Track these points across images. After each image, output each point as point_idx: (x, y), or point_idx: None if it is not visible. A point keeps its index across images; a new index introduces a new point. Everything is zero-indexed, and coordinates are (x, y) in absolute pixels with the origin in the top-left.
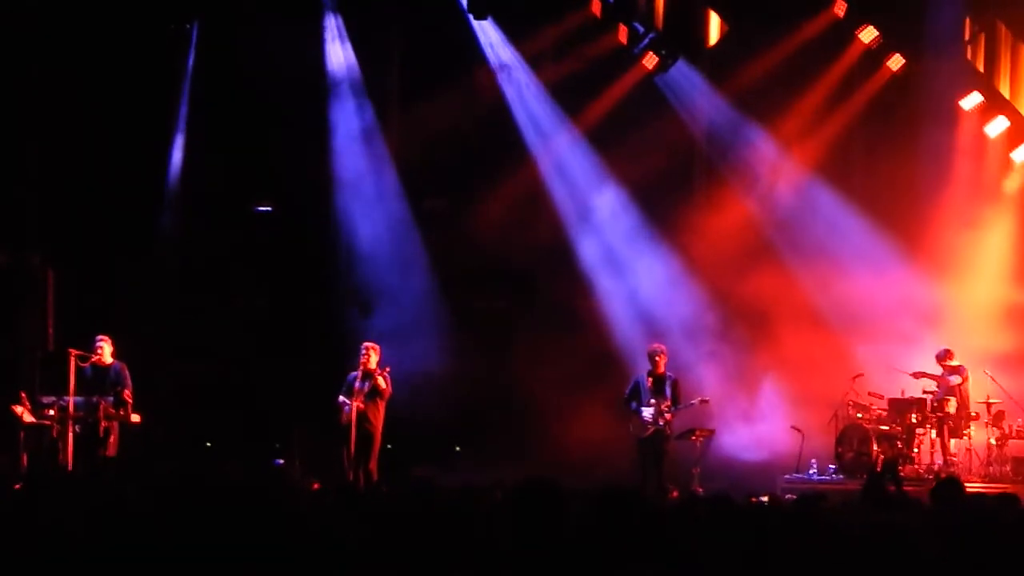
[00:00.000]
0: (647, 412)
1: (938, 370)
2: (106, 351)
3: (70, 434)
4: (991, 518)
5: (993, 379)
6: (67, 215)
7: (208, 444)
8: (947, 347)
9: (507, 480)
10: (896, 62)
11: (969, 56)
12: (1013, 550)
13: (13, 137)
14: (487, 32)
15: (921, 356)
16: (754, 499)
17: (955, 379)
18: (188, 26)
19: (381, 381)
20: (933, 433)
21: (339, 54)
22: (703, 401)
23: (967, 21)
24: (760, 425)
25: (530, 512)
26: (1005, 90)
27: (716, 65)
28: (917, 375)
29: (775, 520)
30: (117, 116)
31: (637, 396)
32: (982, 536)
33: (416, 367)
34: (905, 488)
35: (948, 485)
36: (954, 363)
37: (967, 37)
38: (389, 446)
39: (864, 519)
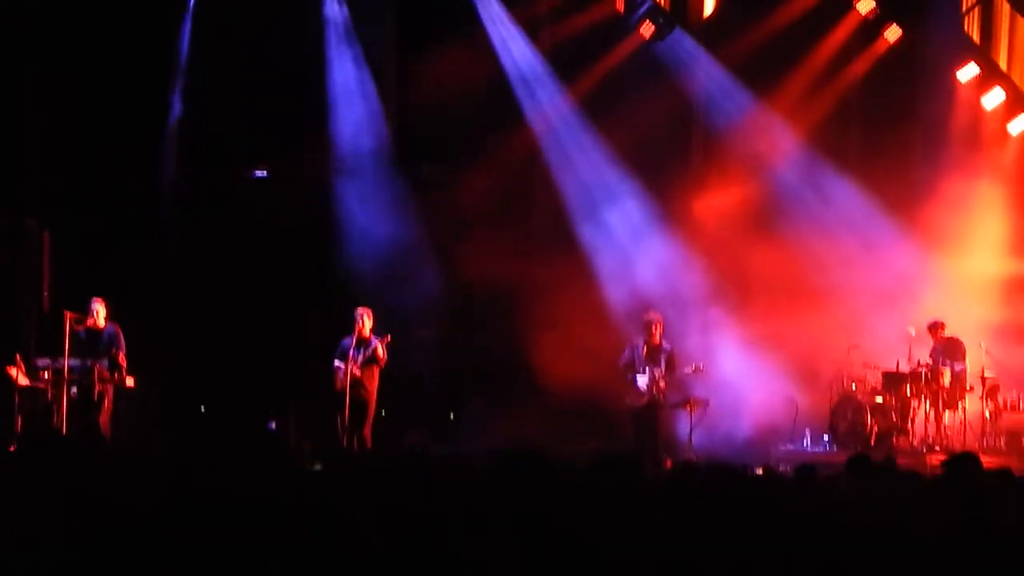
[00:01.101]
0: (642, 381)
1: (929, 340)
2: (100, 314)
3: (64, 397)
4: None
5: (988, 352)
6: (64, 177)
7: (202, 408)
8: (938, 319)
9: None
10: (893, 33)
11: (966, 27)
12: (1012, 528)
13: (10, 100)
14: None
15: (915, 327)
16: (749, 470)
17: (958, 366)
18: None
19: (380, 349)
20: (927, 405)
21: (336, 17)
22: (697, 369)
23: None
24: (754, 395)
25: (519, 481)
26: (1002, 62)
27: (713, 35)
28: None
29: (770, 491)
30: (114, 76)
31: (631, 362)
32: (984, 513)
33: (413, 336)
34: (899, 460)
35: (966, 460)
36: (946, 335)
37: (964, 8)
38: (383, 412)
39: (859, 492)
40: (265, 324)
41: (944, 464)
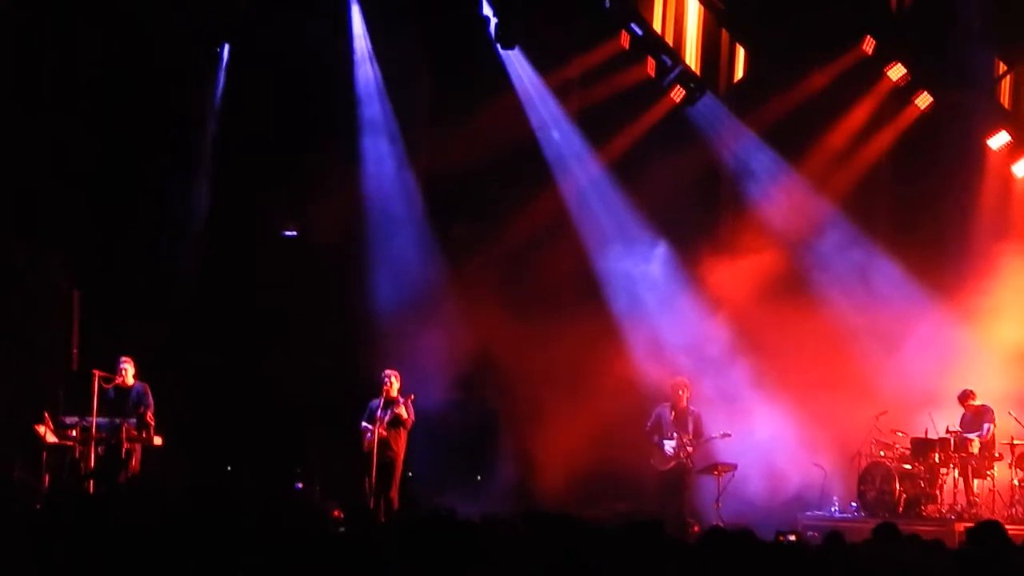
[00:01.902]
0: (669, 445)
1: (959, 410)
2: (129, 372)
3: (92, 455)
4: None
5: (1017, 420)
6: (94, 236)
7: (229, 467)
8: (969, 388)
9: (528, 512)
10: (924, 100)
11: (998, 95)
12: None
13: (42, 158)
14: (515, 61)
15: (943, 397)
16: (782, 537)
17: (988, 426)
18: (217, 49)
19: (403, 411)
20: (956, 473)
21: (369, 79)
22: (725, 435)
23: (996, 59)
24: (782, 461)
25: (548, 544)
26: None
27: (743, 100)
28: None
29: (798, 557)
30: (145, 137)
31: (659, 429)
32: None
33: (439, 393)
34: (927, 528)
35: (990, 528)
36: (976, 403)
37: (996, 75)
38: (410, 474)
39: (886, 559)
40: (293, 384)
41: (969, 532)
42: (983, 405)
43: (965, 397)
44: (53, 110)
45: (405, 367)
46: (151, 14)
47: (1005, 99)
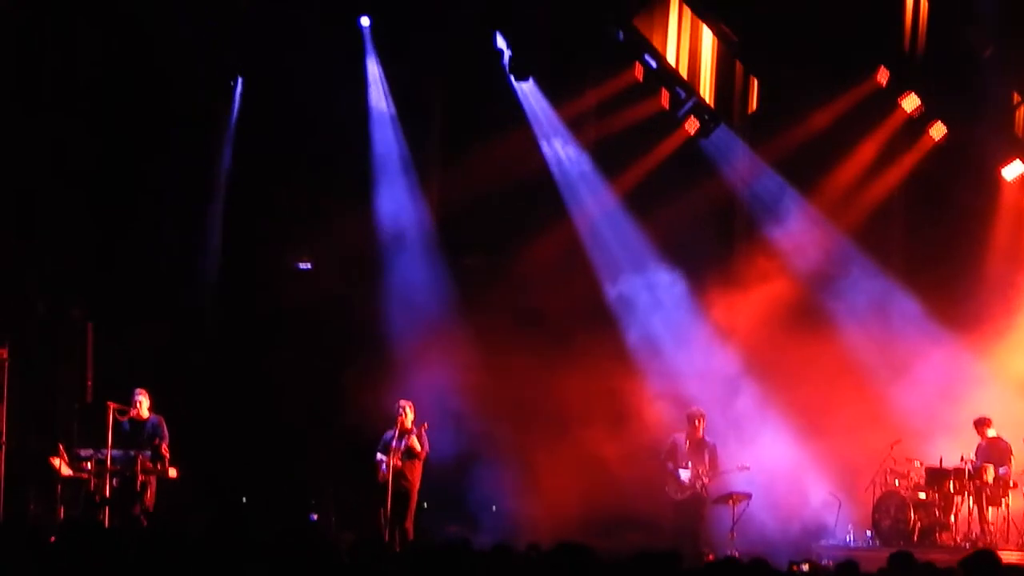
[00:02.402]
0: (685, 475)
1: (974, 439)
2: (144, 405)
3: (107, 487)
4: None
5: None
6: (108, 268)
7: (243, 499)
8: (985, 415)
9: (541, 541)
10: (938, 130)
11: (1012, 125)
12: None
13: (56, 190)
14: (529, 93)
15: (959, 423)
16: (795, 566)
17: (1002, 469)
18: (231, 82)
19: (416, 443)
20: (971, 502)
21: (382, 111)
22: (744, 468)
23: (1010, 89)
24: (797, 490)
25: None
26: None
27: (758, 131)
28: None
29: None
30: (159, 168)
31: (673, 457)
32: None
33: (452, 422)
34: (942, 557)
35: (983, 557)
36: (992, 433)
37: (1010, 106)
38: (425, 504)
39: None
40: (308, 415)
41: (961, 563)
42: (999, 438)
43: (981, 424)
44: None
45: (418, 397)
46: (167, 49)
47: (1020, 129)
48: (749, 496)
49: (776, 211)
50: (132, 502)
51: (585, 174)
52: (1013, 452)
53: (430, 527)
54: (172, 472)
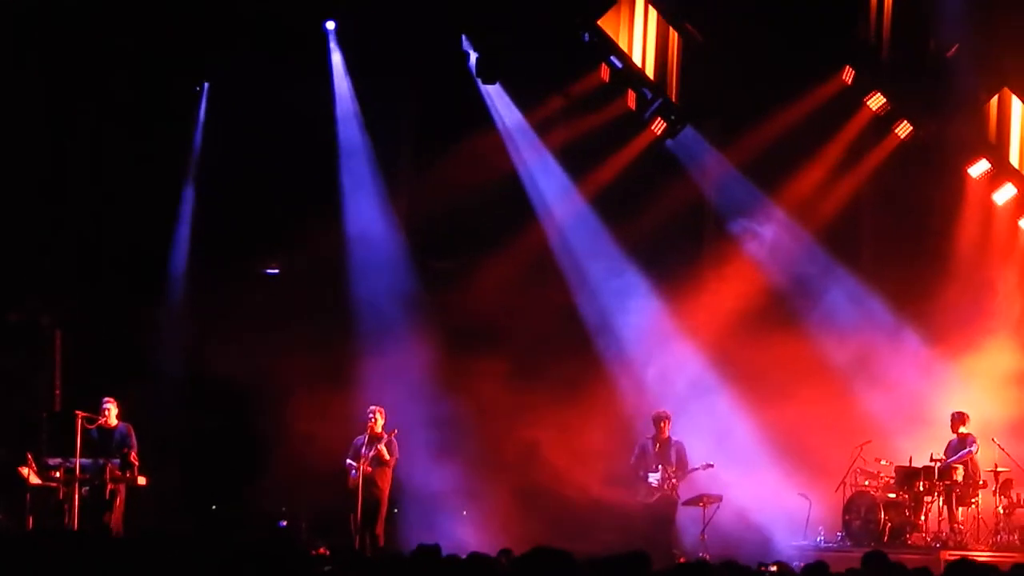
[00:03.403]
0: (654, 477)
1: (945, 438)
2: (112, 413)
3: (76, 496)
4: None
5: (1001, 447)
6: (75, 276)
7: (214, 506)
8: (963, 410)
9: (514, 547)
10: (904, 129)
11: (978, 124)
12: None
13: (22, 198)
14: (496, 96)
15: (928, 422)
16: (763, 567)
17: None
18: (197, 88)
19: (385, 451)
20: (940, 501)
21: (350, 115)
22: (708, 466)
23: (976, 89)
24: (767, 492)
25: None
26: (1014, 158)
27: (725, 131)
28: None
29: None
30: (125, 177)
31: (643, 462)
32: None
33: (420, 428)
34: (912, 557)
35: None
36: (964, 430)
37: (976, 105)
38: (395, 510)
39: None
40: (276, 420)
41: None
42: (968, 435)
43: (959, 419)
44: (32, 144)
45: (388, 403)
46: (130, 51)
47: (985, 128)
48: (720, 498)
49: (744, 212)
50: (102, 510)
51: (553, 177)
52: (978, 445)
53: (403, 533)
54: (141, 480)
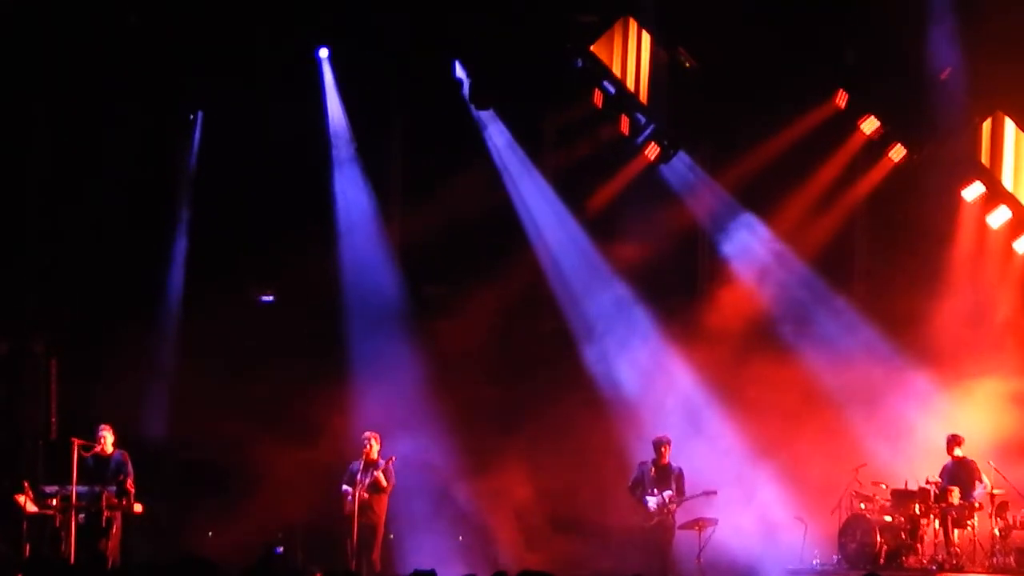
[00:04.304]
0: (652, 502)
1: (940, 461)
2: (108, 440)
3: (72, 524)
4: None
5: (997, 470)
6: (70, 304)
7: (210, 533)
8: (957, 433)
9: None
10: (898, 152)
11: (971, 147)
12: None
13: (16, 225)
14: (489, 122)
15: (923, 445)
16: None
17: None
18: (192, 116)
19: (382, 478)
20: (936, 524)
21: (343, 140)
22: (709, 493)
23: (970, 111)
24: (763, 515)
25: None
26: (1008, 180)
27: (719, 155)
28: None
29: None
30: (120, 207)
31: (641, 485)
32: None
33: (414, 458)
34: None
35: None
36: (959, 453)
37: (970, 127)
38: (391, 536)
39: None
40: (272, 447)
41: None
42: (964, 459)
43: (953, 441)
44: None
45: (383, 427)
46: (126, 81)
47: (980, 151)
48: (715, 521)
49: (737, 237)
50: (98, 538)
51: (546, 202)
52: (980, 473)
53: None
54: (138, 507)
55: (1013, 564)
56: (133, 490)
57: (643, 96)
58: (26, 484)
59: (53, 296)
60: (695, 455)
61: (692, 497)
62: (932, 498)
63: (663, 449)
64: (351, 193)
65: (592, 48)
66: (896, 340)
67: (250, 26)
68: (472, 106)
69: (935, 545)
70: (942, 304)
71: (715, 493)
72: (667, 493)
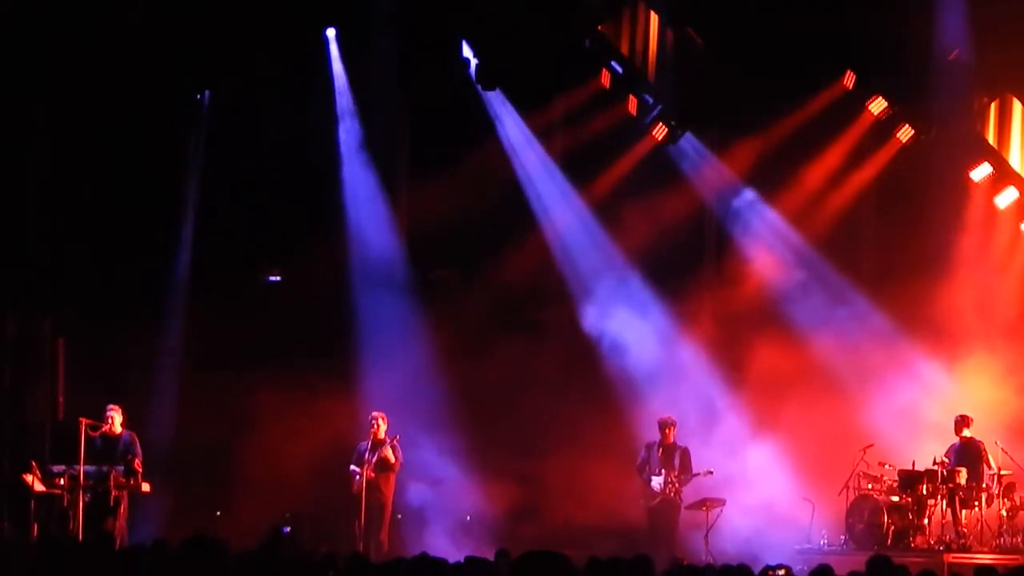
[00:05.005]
0: (657, 481)
1: (948, 441)
2: (116, 420)
3: (80, 503)
4: None
5: (1004, 450)
6: (77, 283)
7: (218, 513)
8: (966, 414)
9: (513, 551)
10: (906, 133)
11: (979, 127)
12: None
13: (23, 206)
14: (496, 103)
15: (931, 426)
16: (771, 572)
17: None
18: (199, 96)
19: (389, 454)
20: (944, 504)
21: (350, 123)
22: (708, 473)
23: (978, 92)
24: (771, 495)
25: None
26: (1015, 161)
27: (725, 136)
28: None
29: None
30: (127, 185)
31: (647, 464)
32: None
33: (422, 437)
34: (916, 560)
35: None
36: (968, 433)
37: (977, 108)
38: (399, 516)
39: None
40: (280, 427)
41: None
42: (972, 439)
43: (962, 422)
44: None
45: (391, 409)
46: (132, 62)
47: (988, 132)
48: (723, 502)
49: (745, 217)
50: (106, 517)
51: (554, 183)
52: (988, 454)
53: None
54: (145, 487)
55: (1020, 544)
56: (141, 470)
57: (651, 76)
58: (33, 464)
59: (60, 277)
60: (702, 435)
61: (694, 476)
62: (939, 479)
63: (668, 430)
64: (358, 174)
65: (600, 28)
66: (903, 321)
67: (257, 6)
68: (479, 86)
69: (942, 525)
70: (950, 285)
71: (712, 472)
72: (672, 472)
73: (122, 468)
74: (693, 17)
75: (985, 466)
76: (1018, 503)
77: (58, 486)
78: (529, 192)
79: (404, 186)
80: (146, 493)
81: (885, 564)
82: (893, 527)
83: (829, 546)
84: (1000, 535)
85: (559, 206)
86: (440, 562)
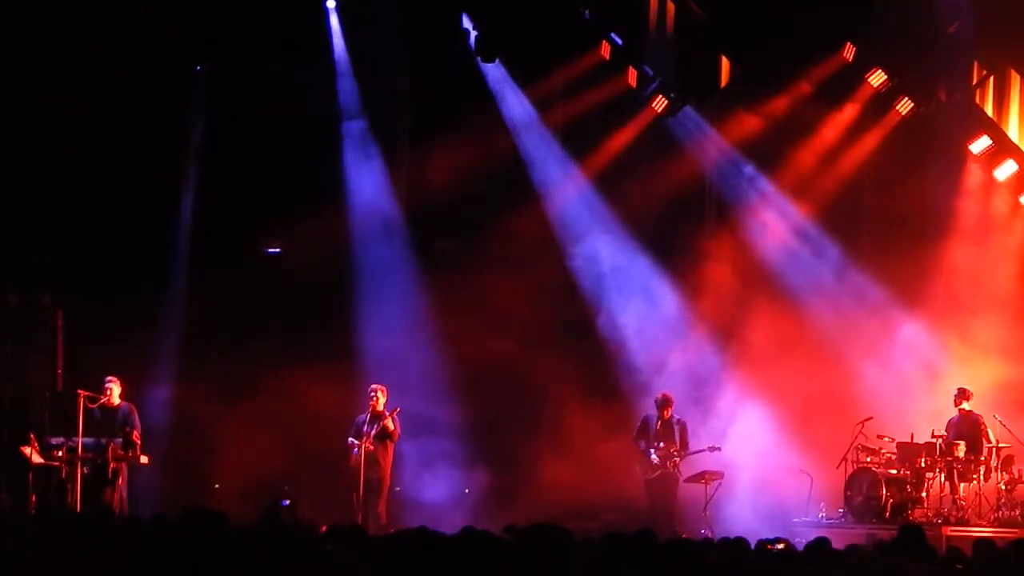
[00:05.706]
0: (655, 455)
1: (947, 414)
2: (115, 392)
3: (79, 475)
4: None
5: (1003, 423)
6: (77, 255)
7: (216, 486)
8: (965, 387)
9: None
10: (905, 106)
11: (978, 100)
12: None
13: (22, 178)
14: (495, 74)
15: (929, 399)
16: (769, 545)
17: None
18: (198, 68)
19: (390, 423)
20: (942, 477)
21: (350, 94)
22: (714, 448)
23: (977, 65)
24: (769, 468)
25: (539, 557)
26: (1014, 134)
27: (726, 107)
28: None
29: (785, 564)
30: (127, 156)
31: (646, 435)
32: None
33: (423, 406)
34: None
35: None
36: (967, 407)
37: (976, 81)
38: (398, 488)
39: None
40: (278, 399)
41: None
42: (971, 412)
43: (961, 395)
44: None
45: (390, 381)
46: (129, 34)
47: (987, 105)
48: (722, 475)
49: (744, 189)
50: (104, 489)
51: (553, 155)
52: (987, 427)
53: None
54: (144, 459)
55: (1018, 518)
56: (139, 442)
57: (650, 48)
58: (32, 435)
59: (61, 248)
60: (700, 409)
61: (697, 452)
62: (938, 452)
63: (666, 408)
64: (359, 145)
65: None
66: (903, 293)
67: None
68: (479, 58)
69: (941, 499)
70: (949, 257)
71: (719, 449)
72: (671, 445)
73: (120, 440)
74: None
75: (984, 439)
76: (1016, 476)
77: (56, 458)
78: (527, 163)
79: (405, 157)
80: (144, 465)
81: (916, 534)
82: (891, 500)
83: (827, 519)
84: (998, 508)
85: (558, 177)
86: (439, 535)
